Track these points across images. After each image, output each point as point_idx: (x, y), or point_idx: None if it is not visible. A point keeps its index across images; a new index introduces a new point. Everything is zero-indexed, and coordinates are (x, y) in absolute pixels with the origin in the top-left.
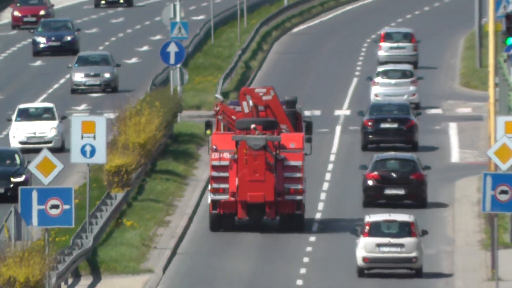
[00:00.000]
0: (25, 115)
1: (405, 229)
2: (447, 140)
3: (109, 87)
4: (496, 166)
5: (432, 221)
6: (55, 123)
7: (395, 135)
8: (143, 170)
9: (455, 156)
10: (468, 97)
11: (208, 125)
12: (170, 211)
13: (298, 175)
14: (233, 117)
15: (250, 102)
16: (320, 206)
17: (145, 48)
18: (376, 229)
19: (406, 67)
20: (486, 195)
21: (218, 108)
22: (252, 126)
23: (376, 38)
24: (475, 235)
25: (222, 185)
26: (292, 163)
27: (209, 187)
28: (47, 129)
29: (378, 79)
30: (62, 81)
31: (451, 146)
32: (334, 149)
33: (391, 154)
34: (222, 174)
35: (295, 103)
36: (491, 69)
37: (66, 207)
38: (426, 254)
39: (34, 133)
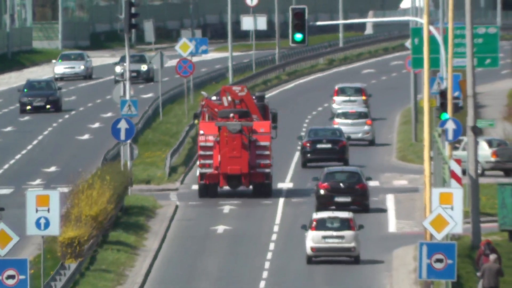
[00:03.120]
0: None
1: (345, 224)
2: (384, 211)
3: None
4: (432, 235)
5: None
6: None
7: (329, 153)
8: (95, 241)
9: (392, 226)
10: (404, 170)
11: (196, 116)
12: (121, 280)
13: (267, 152)
14: (216, 109)
15: (229, 98)
16: (265, 274)
17: (96, 124)
18: (321, 224)
19: (362, 109)
20: (422, 263)
21: (203, 103)
22: (231, 115)
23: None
24: None
25: (208, 161)
26: (262, 143)
27: (198, 163)
28: None
29: (338, 120)
30: None
31: (388, 217)
32: (278, 219)
33: (339, 167)
34: (207, 153)
35: (263, 98)
36: (426, 143)
37: (22, 277)
38: None
39: None
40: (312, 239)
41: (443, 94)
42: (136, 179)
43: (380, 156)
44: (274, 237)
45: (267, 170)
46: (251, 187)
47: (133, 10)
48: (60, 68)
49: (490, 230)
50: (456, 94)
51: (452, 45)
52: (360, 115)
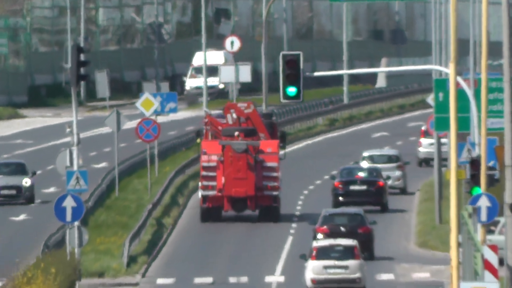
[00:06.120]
0: None
1: (349, 252)
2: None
3: None
4: None
5: None
6: None
7: (364, 196)
8: None
9: None
10: (425, 260)
11: (198, 134)
12: None
13: (274, 174)
14: (219, 127)
15: (234, 115)
16: None
17: (36, 202)
18: (323, 253)
19: (392, 152)
20: None
21: (206, 120)
22: (236, 133)
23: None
24: None
25: (211, 183)
26: (269, 164)
27: (200, 184)
28: None
29: (363, 163)
30: None
31: None
32: None
33: (339, 209)
34: (210, 174)
35: (271, 116)
36: (453, 225)
37: None
38: None
39: None
40: (313, 269)
41: (474, 163)
42: (85, 271)
43: (396, 242)
44: None
45: (275, 193)
46: (257, 211)
47: (82, 57)
48: None
49: None
50: (491, 163)
51: (486, 101)
52: (390, 159)
